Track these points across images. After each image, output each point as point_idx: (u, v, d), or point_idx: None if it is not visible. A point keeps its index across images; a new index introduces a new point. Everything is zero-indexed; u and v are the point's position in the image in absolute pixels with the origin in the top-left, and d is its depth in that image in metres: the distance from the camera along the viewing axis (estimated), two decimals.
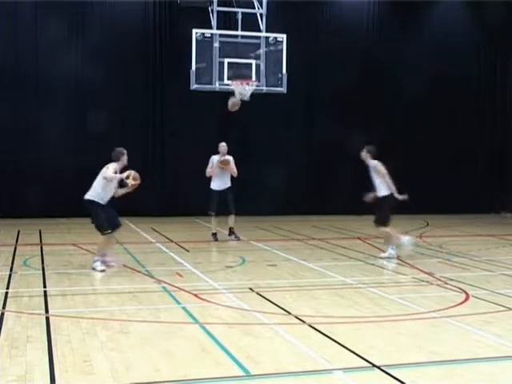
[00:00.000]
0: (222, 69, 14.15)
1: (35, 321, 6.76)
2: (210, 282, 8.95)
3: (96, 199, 9.81)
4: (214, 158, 13.37)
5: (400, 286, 8.91)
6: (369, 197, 11.33)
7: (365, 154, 11.39)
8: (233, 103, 13.74)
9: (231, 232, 13.63)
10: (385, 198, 11.14)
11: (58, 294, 8.16)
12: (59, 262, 10.51)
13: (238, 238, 13.51)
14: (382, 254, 11.31)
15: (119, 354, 5.63)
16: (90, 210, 9.88)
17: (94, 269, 9.73)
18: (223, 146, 13.42)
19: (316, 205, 19.12)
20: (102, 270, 9.69)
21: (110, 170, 9.75)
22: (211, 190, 13.45)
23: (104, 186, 9.83)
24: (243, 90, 14.08)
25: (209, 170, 13.35)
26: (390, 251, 11.27)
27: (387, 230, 11.33)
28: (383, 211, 11.19)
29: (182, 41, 16.04)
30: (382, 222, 11.29)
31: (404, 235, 11.88)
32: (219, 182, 13.40)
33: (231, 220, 13.61)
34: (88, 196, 9.86)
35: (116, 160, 9.95)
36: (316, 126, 19.33)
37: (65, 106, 17.72)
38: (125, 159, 10.09)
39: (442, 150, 20.41)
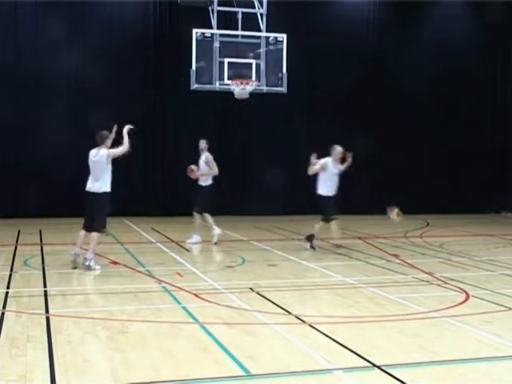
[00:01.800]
0: (222, 69, 14.14)
1: (35, 321, 6.76)
2: (210, 282, 8.95)
3: (109, 190, 9.80)
4: (328, 161, 12.29)
5: (400, 286, 8.91)
6: (190, 171, 12.72)
7: (204, 146, 12.74)
8: None
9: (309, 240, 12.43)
10: (206, 187, 12.61)
11: (58, 293, 8.15)
12: (59, 262, 10.50)
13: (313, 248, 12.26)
14: (188, 241, 12.55)
15: (119, 354, 5.63)
16: (101, 204, 9.77)
17: (90, 269, 9.66)
18: (339, 151, 12.38)
19: (316, 205, 19.07)
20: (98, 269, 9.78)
21: (112, 151, 9.83)
22: (325, 196, 12.38)
23: (108, 172, 9.81)
24: (241, 89, 14.08)
25: (342, 167, 12.55)
26: (197, 237, 12.74)
27: (198, 218, 12.50)
28: (202, 199, 12.61)
29: (182, 41, 16.03)
30: (201, 209, 12.52)
31: (217, 227, 12.79)
32: (332, 188, 12.53)
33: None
34: (105, 188, 9.76)
35: (101, 143, 9.91)
36: (316, 125, 19.29)
37: (65, 106, 17.71)
38: (109, 142, 9.99)
39: (442, 150, 20.41)
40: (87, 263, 9.70)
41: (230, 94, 14.85)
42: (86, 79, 17.54)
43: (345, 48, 19.30)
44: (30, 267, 10.09)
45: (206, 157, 12.78)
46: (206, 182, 12.79)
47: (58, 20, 17.32)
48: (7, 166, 17.13)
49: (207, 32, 14.29)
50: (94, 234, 9.81)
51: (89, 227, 9.97)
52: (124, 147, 9.90)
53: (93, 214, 9.88)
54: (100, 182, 9.77)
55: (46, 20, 17.35)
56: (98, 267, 9.77)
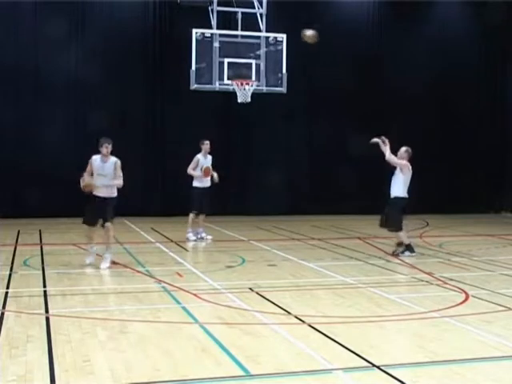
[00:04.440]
0: (222, 69, 14.15)
1: (35, 321, 6.76)
2: (209, 282, 8.95)
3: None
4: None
5: (400, 286, 8.91)
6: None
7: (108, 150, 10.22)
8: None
9: None
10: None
11: (57, 293, 8.16)
12: (59, 262, 10.50)
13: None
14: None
15: (119, 354, 5.63)
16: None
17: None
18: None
19: (316, 205, 19.11)
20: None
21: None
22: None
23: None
24: (244, 93, 14.09)
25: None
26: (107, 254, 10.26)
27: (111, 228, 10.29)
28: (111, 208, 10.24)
29: (182, 41, 16.03)
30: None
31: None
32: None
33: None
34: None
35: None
36: (316, 125, 19.31)
37: (65, 106, 17.70)
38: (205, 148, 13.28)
39: (442, 150, 20.42)
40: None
41: (230, 94, 14.86)
42: (86, 79, 17.53)
43: (345, 48, 19.28)
44: (29, 267, 10.09)
45: (115, 162, 10.15)
46: (112, 193, 10.24)
47: (57, 20, 17.31)
48: (7, 165, 17.11)
49: (207, 32, 14.29)
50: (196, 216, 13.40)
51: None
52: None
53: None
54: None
55: (45, 20, 17.34)
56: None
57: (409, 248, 11.59)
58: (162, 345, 5.93)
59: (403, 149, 11.77)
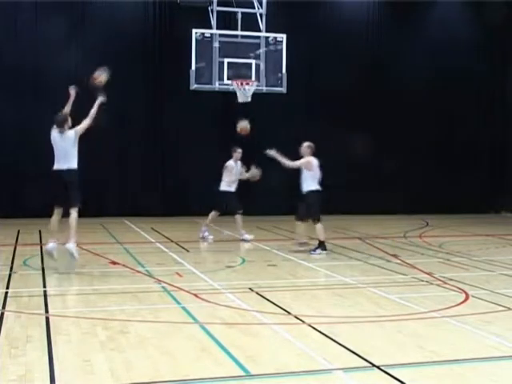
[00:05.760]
0: (222, 69, 14.16)
1: (35, 321, 6.75)
2: (209, 282, 8.95)
3: None
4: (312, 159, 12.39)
5: (400, 286, 8.91)
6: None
7: None
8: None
9: None
10: None
11: (57, 293, 8.16)
12: (59, 262, 10.48)
13: None
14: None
15: (119, 354, 5.63)
16: None
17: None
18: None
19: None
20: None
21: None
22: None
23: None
24: (244, 92, 14.10)
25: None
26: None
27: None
28: None
29: (181, 41, 16.03)
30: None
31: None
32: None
33: None
34: None
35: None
36: (316, 125, 19.28)
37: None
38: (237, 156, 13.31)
39: (442, 150, 20.43)
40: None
41: (230, 93, 14.87)
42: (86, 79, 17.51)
43: (344, 48, 19.29)
44: (29, 267, 10.09)
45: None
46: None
47: (57, 20, 17.32)
48: (7, 165, 17.11)
49: (207, 32, 14.31)
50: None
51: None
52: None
53: None
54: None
55: (45, 20, 17.35)
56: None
57: (321, 245, 11.78)
58: (162, 345, 5.93)
59: (305, 144, 12.10)
